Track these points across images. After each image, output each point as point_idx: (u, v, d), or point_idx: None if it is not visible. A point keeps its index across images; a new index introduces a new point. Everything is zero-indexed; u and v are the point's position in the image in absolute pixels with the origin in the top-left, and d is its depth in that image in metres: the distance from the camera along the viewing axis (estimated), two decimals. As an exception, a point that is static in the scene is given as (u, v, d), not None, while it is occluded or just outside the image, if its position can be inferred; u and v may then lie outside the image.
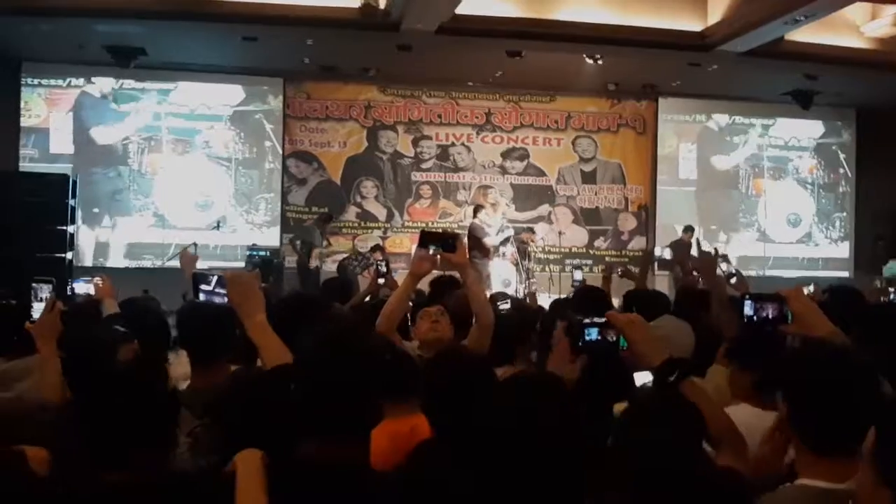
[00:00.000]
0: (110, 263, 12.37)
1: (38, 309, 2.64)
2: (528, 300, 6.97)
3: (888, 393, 1.93)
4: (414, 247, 13.54)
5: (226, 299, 2.45)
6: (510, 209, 13.60)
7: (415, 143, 13.77)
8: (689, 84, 13.03)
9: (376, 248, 12.42)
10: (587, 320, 2.10)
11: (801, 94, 12.83)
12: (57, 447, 1.81)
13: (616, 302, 4.97)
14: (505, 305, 4.71)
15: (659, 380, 2.02)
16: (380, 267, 5.18)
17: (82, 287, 3.82)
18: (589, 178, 14.18)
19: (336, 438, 1.74)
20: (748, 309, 2.36)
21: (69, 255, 10.80)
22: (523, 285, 11.88)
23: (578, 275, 6.42)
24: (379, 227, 13.60)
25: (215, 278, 2.58)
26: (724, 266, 4.14)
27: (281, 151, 13.25)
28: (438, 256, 3.15)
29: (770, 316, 2.35)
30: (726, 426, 2.10)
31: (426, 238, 3.17)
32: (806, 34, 10.42)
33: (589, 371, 2.15)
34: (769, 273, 14.03)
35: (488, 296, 4.50)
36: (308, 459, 1.73)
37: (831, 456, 1.83)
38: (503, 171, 13.98)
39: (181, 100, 12.89)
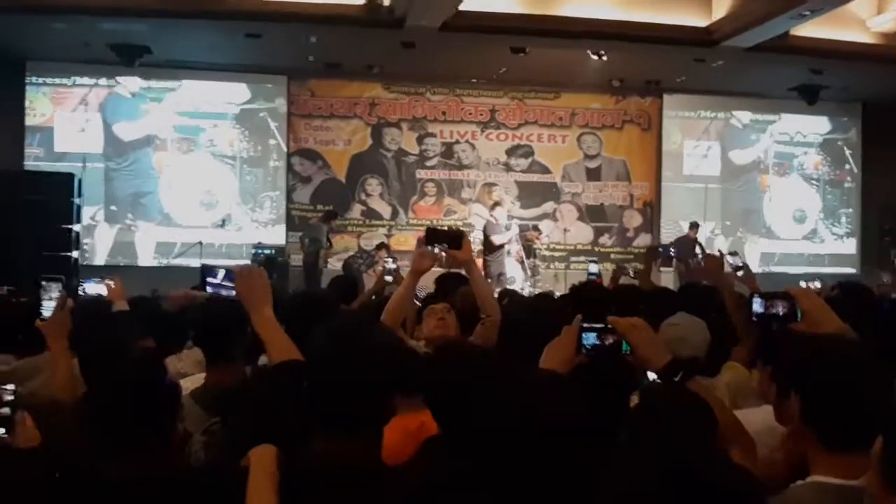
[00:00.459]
0: (133, 261, 12.44)
1: (47, 307, 2.64)
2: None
3: None
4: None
5: (233, 292, 2.45)
6: (515, 206, 13.59)
7: (419, 140, 13.76)
8: (694, 80, 13.00)
9: (381, 245, 12.43)
10: (585, 325, 2.09)
11: (806, 89, 12.81)
12: (69, 443, 1.82)
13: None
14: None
15: (664, 382, 2.01)
16: (387, 264, 5.17)
17: (93, 287, 3.82)
18: (594, 174, 14.17)
19: (348, 435, 1.74)
20: (757, 306, 2.36)
21: (75, 254, 10.82)
22: (528, 282, 11.88)
23: (594, 268, 6.33)
24: (384, 225, 13.61)
25: (222, 271, 2.57)
26: (730, 259, 4.12)
27: (286, 149, 13.26)
28: (443, 253, 3.14)
29: (780, 313, 2.35)
30: (733, 424, 2.09)
31: (431, 235, 3.17)
32: (811, 29, 10.41)
33: (584, 367, 2.12)
34: (775, 269, 14.00)
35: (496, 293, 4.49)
36: (321, 456, 1.73)
37: (845, 452, 1.82)
38: (508, 169, 13.97)
39: (186, 98, 12.90)
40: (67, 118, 12.58)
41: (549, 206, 14.01)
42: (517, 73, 12.76)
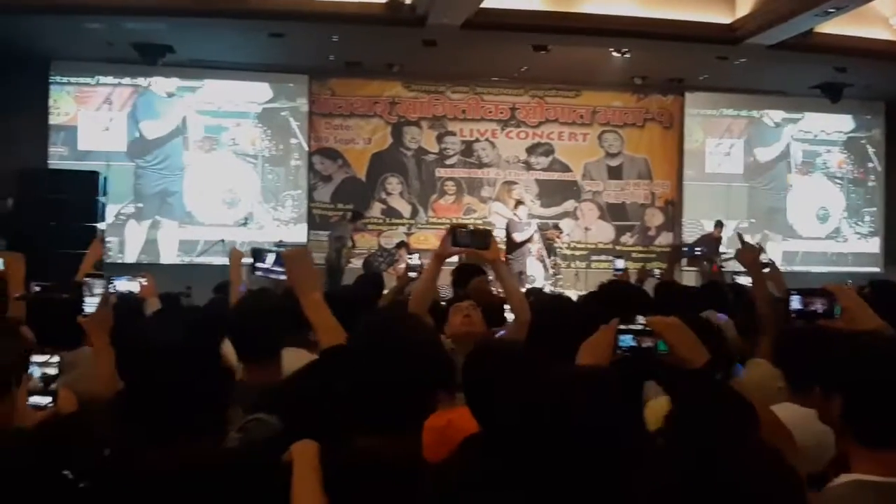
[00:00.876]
0: (157, 260, 12.55)
1: (90, 303, 2.67)
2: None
3: None
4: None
5: (283, 276, 2.47)
6: (535, 205, 13.58)
7: (439, 139, 13.77)
8: (717, 78, 12.92)
9: (401, 244, 12.47)
10: (622, 326, 2.09)
11: (830, 87, 12.70)
12: (110, 434, 1.84)
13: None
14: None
15: (704, 381, 2.00)
16: (411, 260, 5.18)
17: (125, 284, 3.85)
18: (615, 173, 14.11)
19: (390, 432, 1.74)
20: (796, 303, 2.35)
21: (99, 252, 10.90)
22: (550, 282, 11.87)
23: (620, 263, 6.27)
24: (403, 224, 13.63)
25: (272, 255, 2.59)
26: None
27: (307, 148, 13.32)
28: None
29: (818, 310, 2.34)
30: (772, 421, 2.08)
31: (457, 235, 3.16)
32: (835, 26, 10.31)
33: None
34: (797, 269, 13.88)
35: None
36: (363, 452, 1.74)
37: (886, 450, 1.81)
38: (528, 167, 13.94)
39: (208, 98, 12.99)
40: (91, 117, 12.68)
41: (569, 205, 13.97)
42: (538, 71, 12.73)
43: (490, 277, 4.67)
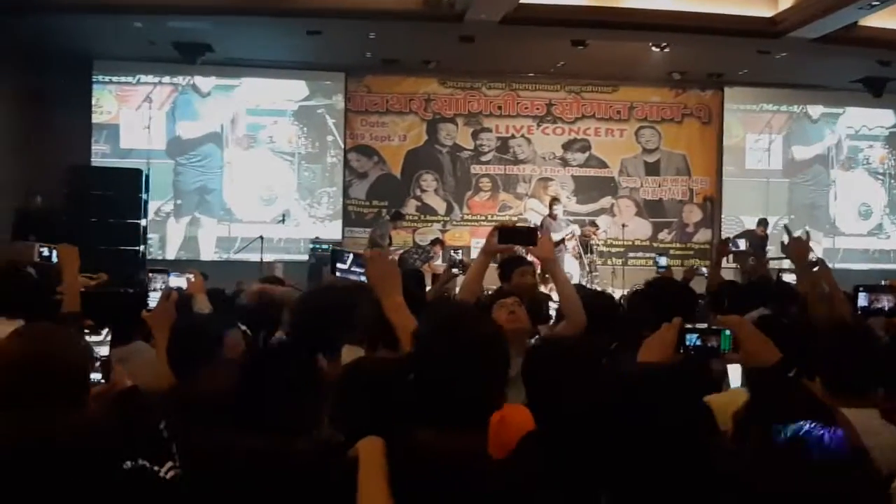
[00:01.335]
0: (196, 256, 12.68)
1: (153, 298, 2.71)
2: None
3: None
4: (473, 240, 13.45)
5: (363, 278, 2.47)
6: (571, 202, 13.50)
7: (474, 135, 13.75)
8: (757, 72, 12.73)
9: (436, 241, 12.47)
10: (688, 325, 2.09)
11: (872, 81, 12.46)
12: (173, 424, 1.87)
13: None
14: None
15: (776, 378, 1.97)
16: (454, 256, 5.17)
17: (174, 281, 3.89)
18: (652, 169, 13.98)
19: (456, 427, 1.74)
20: (862, 300, 2.31)
21: (141, 248, 11.07)
22: (586, 279, 11.80)
23: (663, 261, 6.25)
24: (438, 221, 13.63)
25: (351, 256, 2.60)
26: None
27: (342, 145, 13.38)
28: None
29: (885, 307, 2.30)
30: (846, 422, 2.04)
31: (505, 234, 3.15)
32: (879, 19, 10.12)
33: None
34: (839, 266, 13.64)
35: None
36: (428, 447, 1.73)
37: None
38: (564, 163, 13.86)
39: (246, 96, 13.10)
40: (132, 115, 12.86)
41: (606, 202, 13.87)
42: (575, 67, 12.65)
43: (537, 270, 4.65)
